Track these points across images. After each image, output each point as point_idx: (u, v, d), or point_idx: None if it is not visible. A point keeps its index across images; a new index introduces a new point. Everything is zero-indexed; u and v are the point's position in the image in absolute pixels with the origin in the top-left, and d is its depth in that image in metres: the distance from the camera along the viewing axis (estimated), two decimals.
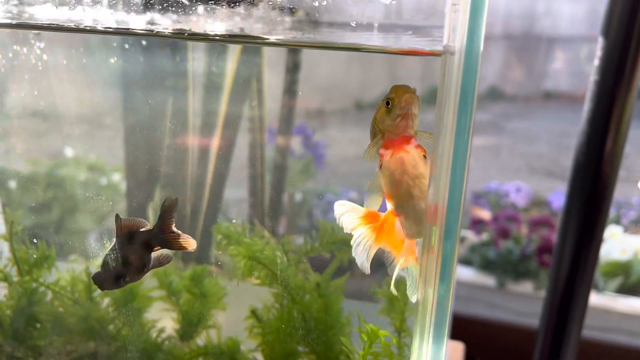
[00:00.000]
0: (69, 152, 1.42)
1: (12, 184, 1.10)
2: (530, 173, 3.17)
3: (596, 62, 0.86)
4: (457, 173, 0.40)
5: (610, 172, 0.90)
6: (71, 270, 0.87)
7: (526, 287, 1.90)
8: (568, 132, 3.60)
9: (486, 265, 1.89)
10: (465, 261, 1.91)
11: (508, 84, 3.37)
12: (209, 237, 1.24)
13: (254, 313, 0.80)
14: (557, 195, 2.34)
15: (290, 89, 1.27)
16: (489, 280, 1.87)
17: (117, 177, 1.67)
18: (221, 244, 0.84)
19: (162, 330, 0.83)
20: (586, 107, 0.89)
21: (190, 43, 1.07)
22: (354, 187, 2.63)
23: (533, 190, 2.48)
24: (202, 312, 0.84)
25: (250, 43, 0.95)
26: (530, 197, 2.43)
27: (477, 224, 2.07)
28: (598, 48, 0.86)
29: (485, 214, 2.23)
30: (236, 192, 1.35)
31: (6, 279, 0.85)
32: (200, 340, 0.84)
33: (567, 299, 0.99)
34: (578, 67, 3.44)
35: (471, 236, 2.06)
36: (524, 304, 1.86)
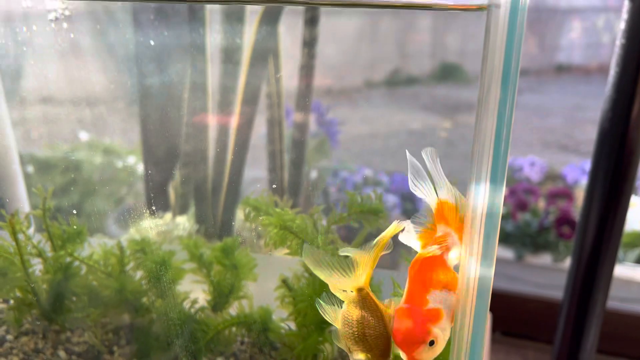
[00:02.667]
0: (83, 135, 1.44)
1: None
2: (544, 147, 3.16)
3: (622, 25, 0.85)
4: (505, 124, 0.41)
5: (636, 138, 0.90)
6: (103, 244, 0.88)
7: (545, 259, 1.90)
8: (581, 105, 3.57)
9: (504, 239, 1.88)
10: None
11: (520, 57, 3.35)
12: (231, 213, 1.26)
13: (285, 282, 0.81)
14: (572, 168, 2.32)
15: (308, 64, 1.26)
16: (507, 253, 1.87)
17: (134, 160, 1.69)
18: (249, 216, 0.85)
19: (195, 301, 0.84)
20: (612, 71, 0.89)
21: (207, 16, 1.07)
22: (367, 164, 2.64)
23: (547, 164, 2.47)
24: (234, 283, 0.85)
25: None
26: (545, 171, 2.42)
27: None
28: (624, 11, 0.85)
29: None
30: (255, 170, 1.36)
31: (40, 254, 0.86)
32: (232, 311, 0.86)
33: (593, 268, 0.99)
34: (591, 39, 3.40)
35: None
36: (544, 276, 1.87)
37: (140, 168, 1.53)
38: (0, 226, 0.80)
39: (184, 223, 1.29)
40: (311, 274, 0.81)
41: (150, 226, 1.28)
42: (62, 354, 0.83)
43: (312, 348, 0.76)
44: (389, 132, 3.25)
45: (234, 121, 1.23)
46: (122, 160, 1.66)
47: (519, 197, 1.99)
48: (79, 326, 0.87)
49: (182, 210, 1.34)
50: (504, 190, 0.45)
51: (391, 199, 2.08)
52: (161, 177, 1.43)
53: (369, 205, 0.81)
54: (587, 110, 3.50)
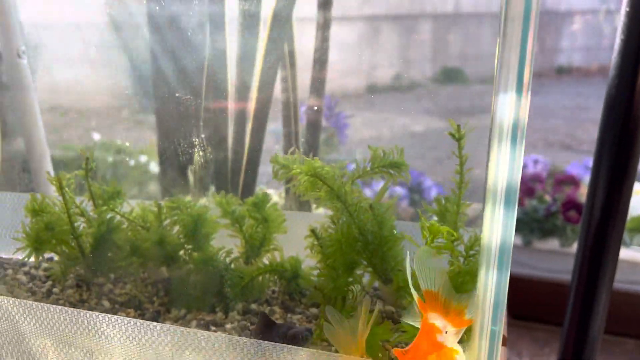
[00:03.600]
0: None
1: None
2: (547, 147, 3.22)
3: (622, 18, 0.91)
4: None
5: None
6: (141, 203, 0.94)
7: (553, 244, 1.95)
8: (582, 105, 3.64)
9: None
10: None
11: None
12: (249, 193, 1.31)
13: (313, 232, 0.87)
14: (575, 165, 2.37)
15: (321, 59, 1.33)
16: (515, 239, 1.90)
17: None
18: (277, 174, 0.91)
19: (230, 252, 0.90)
20: (617, 39, 0.95)
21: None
22: None
23: (550, 162, 2.51)
24: (265, 235, 0.91)
25: None
26: (548, 168, 2.47)
27: None
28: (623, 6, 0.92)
29: None
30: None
31: (83, 213, 0.92)
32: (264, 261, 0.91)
33: (599, 251, 1.02)
34: (591, 41, 3.48)
35: None
36: (552, 261, 1.91)
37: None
38: (48, 180, 0.86)
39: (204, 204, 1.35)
40: (336, 223, 0.87)
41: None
42: (106, 303, 0.89)
43: (342, 289, 0.82)
44: (392, 136, 3.31)
45: (252, 104, 1.30)
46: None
47: (526, 184, 2.04)
48: (120, 279, 0.93)
49: (201, 192, 1.40)
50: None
51: (398, 191, 2.13)
52: (180, 160, 1.50)
53: (390, 160, 0.87)
54: (588, 111, 3.57)
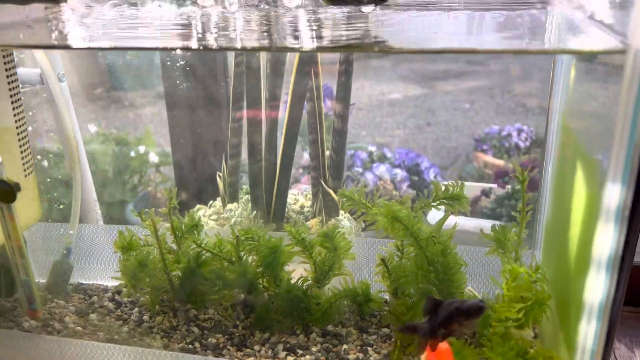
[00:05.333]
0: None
1: None
2: (526, 112, 3.34)
3: None
4: None
5: None
6: (217, 234, 1.02)
7: None
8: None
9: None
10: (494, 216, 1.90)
11: None
12: (283, 198, 1.39)
13: (383, 261, 0.97)
14: None
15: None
16: None
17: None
18: (344, 205, 1.00)
19: (306, 279, 0.99)
20: None
21: None
22: (356, 138, 2.79)
23: (533, 130, 2.59)
24: (334, 261, 1.00)
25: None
26: (531, 137, 2.53)
27: (500, 177, 2.13)
28: None
29: (491, 159, 2.36)
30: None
31: (170, 252, 0.99)
32: (330, 287, 1.01)
33: None
34: None
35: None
36: None
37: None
38: (145, 227, 0.93)
39: (237, 209, 1.43)
40: (402, 252, 0.97)
41: (209, 214, 1.42)
42: (195, 329, 0.97)
43: (419, 314, 0.92)
44: (371, 104, 3.39)
45: (285, 113, 1.37)
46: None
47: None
48: (205, 306, 1.02)
49: (231, 198, 1.47)
50: None
51: (399, 174, 2.23)
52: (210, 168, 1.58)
53: (450, 193, 0.97)
54: None
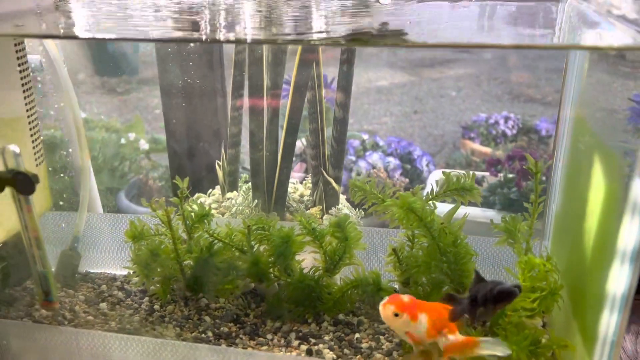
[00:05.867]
0: None
1: None
2: (513, 100, 3.36)
3: None
4: None
5: None
6: (228, 223, 1.02)
7: None
8: (544, 55, 3.78)
9: (509, 205, 1.83)
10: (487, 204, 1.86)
11: None
12: (284, 187, 1.39)
13: (394, 251, 0.98)
14: (544, 122, 2.47)
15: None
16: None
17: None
18: (355, 195, 1.01)
19: (318, 268, 0.99)
20: None
21: None
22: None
23: (520, 118, 2.60)
24: (345, 251, 1.01)
25: None
26: (518, 125, 2.54)
27: (493, 165, 2.10)
28: None
29: (479, 147, 2.37)
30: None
31: (182, 241, 0.99)
32: (341, 275, 1.02)
33: None
34: None
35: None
36: None
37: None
38: (158, 217, 0.93)
39: (237, 198, 1.43)
40: (413, 242, 0.98)
41: (209, 202, 1.42)
42: (207, 318, 0.97)
43: None
44: (358, 91, 3.39)
45: (287, 103, 1.37)
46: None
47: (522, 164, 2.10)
48: (216, 295, 1.02)
49: (230, 187, 1.47)
50: None
51: (392, 162, 2.23)
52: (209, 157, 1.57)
53: (461, 184, 0.98)
54: (553, 61, 3.71)
